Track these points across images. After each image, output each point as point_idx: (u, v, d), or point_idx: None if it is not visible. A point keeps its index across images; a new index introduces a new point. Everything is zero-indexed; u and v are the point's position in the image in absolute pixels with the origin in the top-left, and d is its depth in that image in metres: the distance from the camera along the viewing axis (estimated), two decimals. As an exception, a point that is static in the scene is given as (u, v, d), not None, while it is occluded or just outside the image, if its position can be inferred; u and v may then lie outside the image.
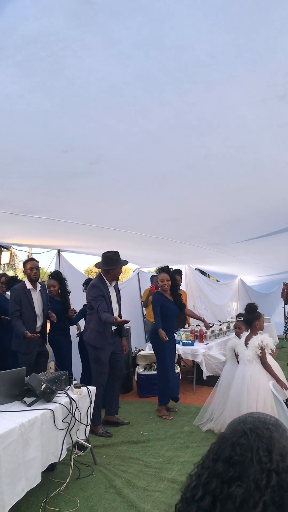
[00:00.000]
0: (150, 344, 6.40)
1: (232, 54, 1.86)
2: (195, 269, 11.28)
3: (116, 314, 5.32)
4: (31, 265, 5.39)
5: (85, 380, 6.18)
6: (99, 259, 5.50)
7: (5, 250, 5.84)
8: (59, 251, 7.40)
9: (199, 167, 3.16)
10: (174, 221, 5.25)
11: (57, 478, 3.75)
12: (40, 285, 5.54)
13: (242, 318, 5.54)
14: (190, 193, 3.96)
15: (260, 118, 2.46)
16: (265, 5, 1.65)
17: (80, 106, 2.11)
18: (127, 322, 5.08)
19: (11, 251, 7.45)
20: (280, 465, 0.90)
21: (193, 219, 5.26)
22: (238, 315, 6.28)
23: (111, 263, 5.21)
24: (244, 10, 1.63)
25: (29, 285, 5.39)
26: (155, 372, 6.40)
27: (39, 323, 5.49)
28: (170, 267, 6.22)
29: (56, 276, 6.49)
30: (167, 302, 5.92)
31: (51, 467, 3.57)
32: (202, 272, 12.43)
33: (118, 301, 5.49)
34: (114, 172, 3.20)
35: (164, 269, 6.08)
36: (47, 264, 7.58)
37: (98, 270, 5.62)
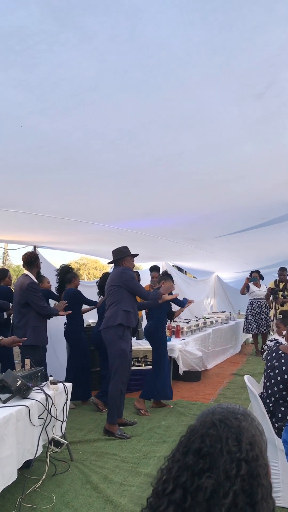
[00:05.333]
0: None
1: (208, 53, 1.88)
2: (172, 265, 11.33)
3: None
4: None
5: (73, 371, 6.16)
6: (76, 255, 5.55)
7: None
8: (35, 247, 7.33)
9: (174, 163, 3.18)
10: (149, 215, 5.26)
11: (33, 475, 3.73)
12: None
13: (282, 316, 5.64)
14: (166, 188, 3.98)
15: (235, 116, 2.49)
16: (239, 5, 1.67)
17: (55, 101, 2.10)
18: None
19: (-14, 247, 7.34)
20: (250, 454, 0.92)
21: (169, 213, 5.29)
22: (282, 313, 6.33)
23: (121, 254, 5.25)
24: (219, 10, 1.65)
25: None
26: (133, 368, 6.41)
27: None
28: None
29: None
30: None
31: (27, 464, 3.54)
32: (180, 269, 12.49)
33: None
34: (89, 167, 3.19)
35: (169, 276, 6.28)
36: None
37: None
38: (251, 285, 10.05)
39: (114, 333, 5.04)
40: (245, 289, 10.13)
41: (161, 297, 5.22)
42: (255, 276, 10.04)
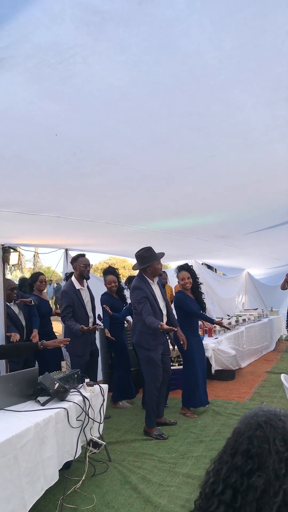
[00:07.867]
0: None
1: (239, 59, 1.88)
2: (202, 263, 11.26)
3: (164, 312, 5.18)
4: (84, 261, 5.36)
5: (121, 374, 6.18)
6: (105, 256, 5.55)
7: (13, 251, 5.86)
8: (66, 250, 7.42)
9: (206, 165, 3.19)
10: (181, 215, 5.26)
11: (73, 475, 3.81)
12: (86, 283, 5.53)
13: None
14: (197, 189, 3.98)
15: (267, 118, 2.48)
16: (272, 10, 1.66)
17: (88, 111, 2.15)
18: (173, 330, 5.02)
19: (19, 251, 7.51)
20: None
21: (200, 213, 5.27)
22: None
23: (145, 261, 5.08)
24: (251, 17, 1.64)
25: (78, 285, 5.38)
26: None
27: (90, 321, 5.53)
28: (187, 263, 6.18)
29: (114, 271, 6.50)
30: (190, 302, 5.82)
31: (67, 465, 3.63)
32: (209, 267, 12.41)
33: (165, 298, 5.32)
34: (121, 172, 3.24)
35: (183, 267, 5.97)
36: (54, 264, 7.63)
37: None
38: None
39: (138, 346, 5.16)
40: (285, 284, 10.00)
41: (161, 327, 4.87)
42: None
